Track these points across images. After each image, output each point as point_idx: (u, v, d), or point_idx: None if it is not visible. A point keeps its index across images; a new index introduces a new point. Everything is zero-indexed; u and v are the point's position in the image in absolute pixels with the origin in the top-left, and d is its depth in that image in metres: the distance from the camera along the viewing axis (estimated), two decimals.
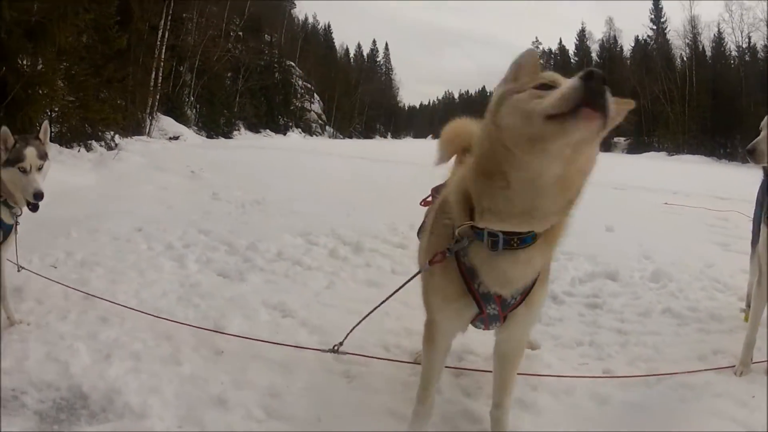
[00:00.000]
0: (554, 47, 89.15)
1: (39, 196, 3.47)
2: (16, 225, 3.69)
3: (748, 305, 4.32)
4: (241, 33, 50.27)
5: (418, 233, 2.91)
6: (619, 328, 4.26)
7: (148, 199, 9.31)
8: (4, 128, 3.46)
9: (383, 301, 3.15)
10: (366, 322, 4.00)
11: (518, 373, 2.72)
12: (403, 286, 2.84)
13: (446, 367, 2.93)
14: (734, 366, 3.53)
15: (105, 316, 3.93)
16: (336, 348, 3.32)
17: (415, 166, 18.10)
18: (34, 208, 3.57)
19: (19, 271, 4.10)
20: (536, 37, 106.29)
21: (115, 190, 10.13)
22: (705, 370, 3.52)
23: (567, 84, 1.71)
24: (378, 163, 20.36)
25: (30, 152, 3.47)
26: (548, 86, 1.80)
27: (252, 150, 25.02)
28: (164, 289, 4.63)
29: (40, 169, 3.54)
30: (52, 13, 11.14)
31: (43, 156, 3.56)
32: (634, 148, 56.69)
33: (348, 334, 3.31)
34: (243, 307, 4.29)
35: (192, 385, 3.06)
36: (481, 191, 2.02)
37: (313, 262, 5.71)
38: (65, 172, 10.38)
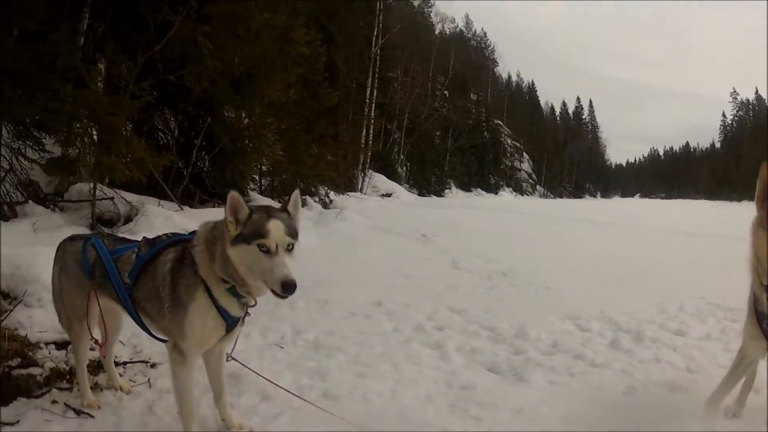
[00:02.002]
0: (751, 98, 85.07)
1: (290, 287, 2.59)
2: (245, 316, 3.03)
3: None
4: (446, 92, 51.40)
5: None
6: None
7: (380, 265, 8.60)
8: (233, 193, 2.73)
9: None
10: None
11: None
12: None
13: None
14: None
15: (347, 427, 3.21)
16: None
17: (667, 234, 16.94)
18: (282, 297, 2.69)
19: (228, 360, 3.28)
20: (733, 88, 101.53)
21: (342, 254, 9.38)
22: None
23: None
24: (612, 228, 18.80)
25: (275, 226, 2.67)
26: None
27: (472, 210, 24.48)
28: (429, 392, 3.79)
29: (289, 250, 2.70)
30: (258, 66, 10.59)
31: (293, 233, 2.74)
32: None
33: None
34: (534, 421, 3.42)
35: None
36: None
37: (596, 356, 4.65)
38: None
